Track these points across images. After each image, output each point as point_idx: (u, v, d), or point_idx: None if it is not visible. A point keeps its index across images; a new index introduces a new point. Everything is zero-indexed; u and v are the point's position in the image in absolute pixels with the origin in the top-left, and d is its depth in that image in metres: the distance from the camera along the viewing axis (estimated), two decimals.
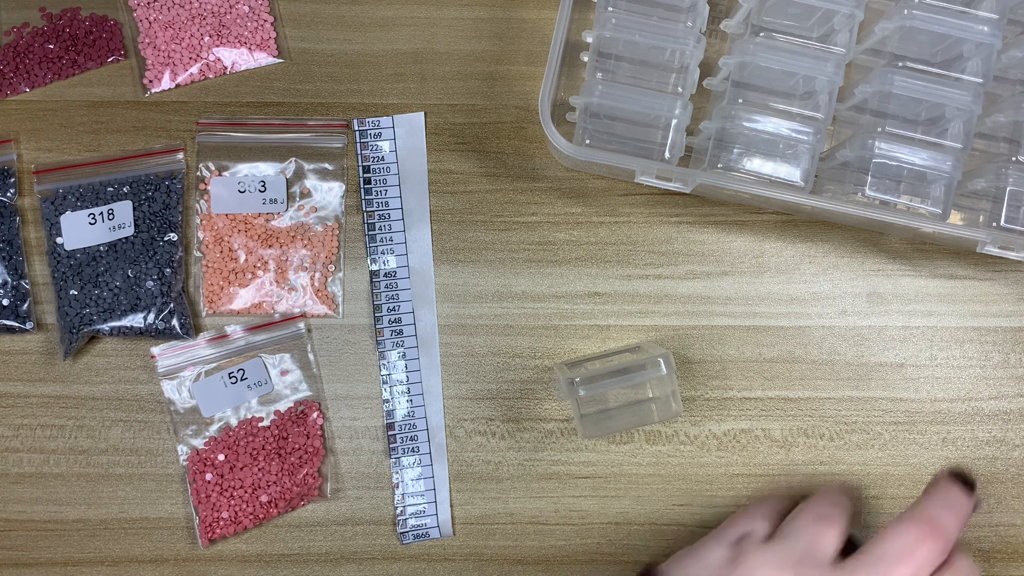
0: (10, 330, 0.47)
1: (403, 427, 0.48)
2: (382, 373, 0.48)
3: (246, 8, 0.50)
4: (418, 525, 0.47)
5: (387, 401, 0.48)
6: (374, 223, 0.49)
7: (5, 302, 0.47)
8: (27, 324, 0.47)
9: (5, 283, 0.47)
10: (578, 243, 0.49)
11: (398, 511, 0.47)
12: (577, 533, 0.48)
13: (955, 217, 0.47)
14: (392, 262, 0.49)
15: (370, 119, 0.50)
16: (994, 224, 0.44)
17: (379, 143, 0.49)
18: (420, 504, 0.47)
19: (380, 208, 0.49)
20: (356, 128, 0.49)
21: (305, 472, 0.47)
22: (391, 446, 0.48)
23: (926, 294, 0.49)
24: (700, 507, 0.48)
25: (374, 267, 0.49)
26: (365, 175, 0.49)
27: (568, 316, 0.49)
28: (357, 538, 0.47)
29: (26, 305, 0.47)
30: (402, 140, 0.50)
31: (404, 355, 0.48)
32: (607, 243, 0.49)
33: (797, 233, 0.49)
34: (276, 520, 0.47)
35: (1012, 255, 0.44)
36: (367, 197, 0.49)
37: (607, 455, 0.48)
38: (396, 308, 0.48)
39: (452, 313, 0.49)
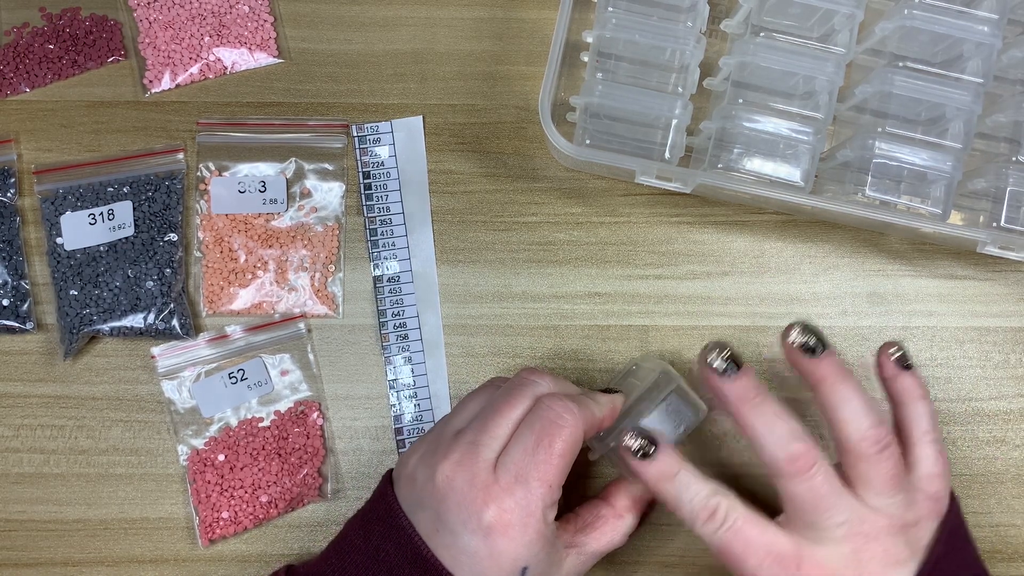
0: (10, 330, 0.47)
1: (412, 431, 0.48)
2: (388, 378, 0.48)
3: (246, 8, 0.50)
4: None
5: (394, 406, 0.48)
6: (376, 228, 0.49)
7: (5, 302, 0.47)
8: (27, 324, 0.47)
9: (5, 283, 0.47)
10: (578, 243, 0.49)
11: None
12: None
13: (955, 217, 0.47)
14: (395, 267, 0.49)
15: (368, 124, 0.49)
16: (994, 224, 0.44)
17: (378, 148, 0.49)
18: None
19: (381, 213, 0.49)
20: (355, 134, 0.49)
21: (305, 472, 0.47)
22: (400, 451, 0.48)
23: (926, 294, 0.49)
24: None
25: (377, 272, 0.49)
26: (365, 180, 0.49)
27: (568, 316, 0.49)
28: None
29: (26, 305, 0.47)
30: (401, 144, 0.50)
31: (410, 359, 0.48)
32: (607, 243, 0.49)
33: (797, 233, 0.49)
34: (276, 520, 0.47)
35: (1012, 255, 0.44)
36: (368, 202, 0.49)
37: (606, 455, 0.48)
38: (400, 312, 0.48)
39: (452, 313, 0.49)
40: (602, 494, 0.43)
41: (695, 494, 0.37)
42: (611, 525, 0.41)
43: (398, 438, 0.48)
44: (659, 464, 0.38)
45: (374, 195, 0.49)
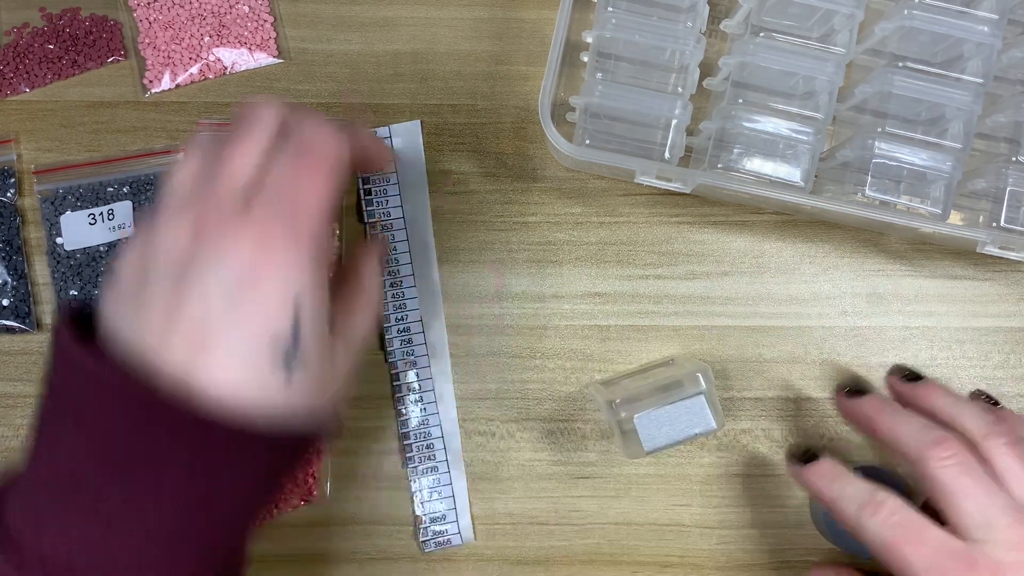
0: (10, 330, 0.47)
1: (418, 435, 0.48)
2: (393, 384, 0.48)
3: (246, 8, 0.50)
4: (439, 532, 0.47)
5: (400, 411, 0.48)
6: (376, 235, 0.49)
7: (5, 302, 0.47)
8: (27, 324, 0.47)
9: (5, 283, 0.47)
10: (578, 243, 0.49)
11: (418, 518, 0.47)
12: (577, 533, 0.48)
13: (955, 217, 0.47)
14: (397, 272, 0.49)
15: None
16: (994, 224, 0.44)
17: None
18: (440, 511, 0.47)
19: (383, 219, 0.49)
20: None
21: (304, 472, 0.47)
22: (407, 455, 0.48)
23: (926, 294, 0.49)
24: (700, 507, 0.48)
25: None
26: (365, 187, 0.49)
27: (568, 316, 0.49)
28: (357, 538, 0.47)
29: (26, 305, 0.47)
30: (400, 149, 0.49)
31: (415, 364, 0.48)
32: (607, 243, 0.49)
33: (797, 233, 0.49)
34: (276, 520, 0.47)
35: (1012, 255, 0.44)
36: (368, 208, 0.49)
37: (607, 455, 0.48)
38: (404, 318, 0.48)
39: (452, 313, 0.49)
40: (345, 273, 0.36)
41: (858, 489, 0.37)
42: (366, 300, 0.36)
43: (404, 442, 0.48)
44: (822, 467, 0.39)
45: (374, 200, 0.49)
